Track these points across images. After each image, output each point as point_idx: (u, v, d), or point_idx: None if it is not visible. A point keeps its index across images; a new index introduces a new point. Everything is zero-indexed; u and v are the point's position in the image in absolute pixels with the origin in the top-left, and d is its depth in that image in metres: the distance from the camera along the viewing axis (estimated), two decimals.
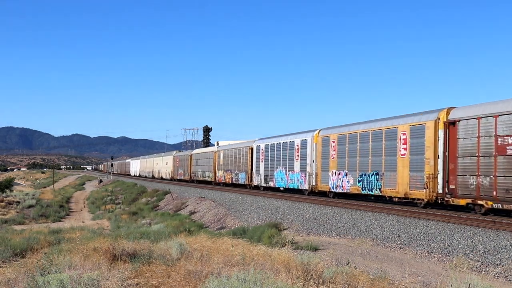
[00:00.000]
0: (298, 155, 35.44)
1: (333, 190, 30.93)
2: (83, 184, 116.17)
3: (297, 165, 35.54)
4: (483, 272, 12.97)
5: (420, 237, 17.11)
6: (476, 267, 13.40)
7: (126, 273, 9.83)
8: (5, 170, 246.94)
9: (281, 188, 38.93)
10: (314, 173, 33.26)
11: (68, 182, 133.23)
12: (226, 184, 52.26)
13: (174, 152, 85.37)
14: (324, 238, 19.48)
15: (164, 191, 53.17)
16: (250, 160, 44.77)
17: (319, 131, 33.28)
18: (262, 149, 42.00)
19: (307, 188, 34.03)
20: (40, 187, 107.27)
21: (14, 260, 14.83)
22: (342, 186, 29.86)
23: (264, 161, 41.42)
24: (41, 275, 9.41)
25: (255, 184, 43.50)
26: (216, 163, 55.64)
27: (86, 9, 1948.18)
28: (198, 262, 10.84)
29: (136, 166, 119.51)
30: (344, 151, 29.83)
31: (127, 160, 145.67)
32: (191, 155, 67.93)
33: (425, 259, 14.97)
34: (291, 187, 36.63)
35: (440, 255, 15.04)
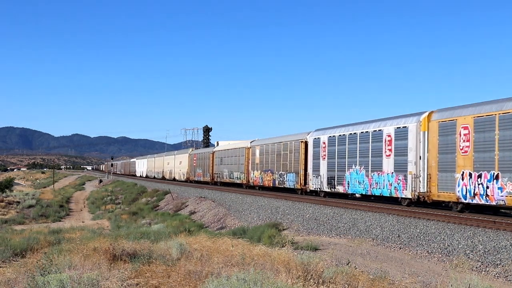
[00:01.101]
0: (390, 149, 25.84)
1: (465, 201, 20.96)
2: (83, 184, 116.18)
3: (388, 163, 25.91)
4: (483, 272, 12.98)
5: (420, 237, 17.11)
6: (476, 267, 13.40)
7: (126, 273, 9.83)
8: (5, 170, 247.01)
9: (357, 195, 29.81)
10: (422, 174, 23.56)
11: (68, 182, 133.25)
12: (263, 188, 43.26)
13: (190, 149, 74.04)
14: (324, 238, 19.48)
15: (164, 191, 53.16)
16: (304, 157, 35.15)
17: (431, 113, 23.59)
18: (324, 143, 32.20)
19: (409, 196, 24.22)
20: (40, 187, 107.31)
21: (14, 260, 14.85)
22: (487, 195, 19.70)
23: (328, 158, 31.60)
24: (41, 275, 9.41)
25: (312, 189, 33.90)
26: (250, 161, 45.69)
27: (86, 9, 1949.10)
28: (198, 262, 10.84)
29: (142, 166, 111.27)
30: (490, 141, 19.74)
31: (132, 160, 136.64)
32: (214, 152, 57.76)
33: (425, 259, 14.97)
34: (377, 194, 26.96)
35: (440, 255, 15.04)
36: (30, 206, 53.05)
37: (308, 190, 34.64)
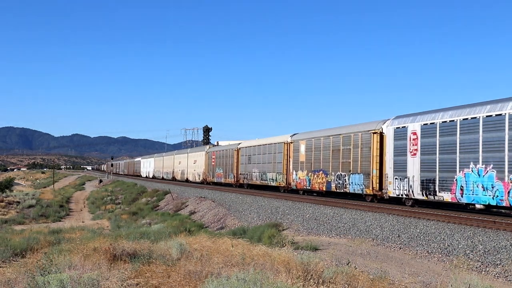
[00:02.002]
0: None
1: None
2: (83, 184, 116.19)
3: None
4: (483, 272, 12.97)
5: (420, 237, 17.11)
6: (476, 267, 13.39)
7: (126, 273, 9.83)
8: (5, 170, 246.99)
9: (479, 206, 21.41)
10: None
11: (68, 182, 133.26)
12: (310, 192, 35.06)
13: (207, 146, 64.73)
14: (324, 238, 19.49)
15: (164, 191, 53.17)
16: (378, 153, 27.09)
17: None
18: (414, 133, 24.29)
19: None
20: (40, 187, 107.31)
21: (14, 260, 14.84)
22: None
23: (422, 154, 23.67)
24: (41, 275, 9.42)
25: (393, 195, 25.70)
26: (291, 159, 37.23)
27: (86, 9, 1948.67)
28: (198, 262, 10.84)
29: (148, 165, 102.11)
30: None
31: (137, 159, 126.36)
32: (239, 149, 48.62)
33: (425, 259, 14.96)
34: None
35: (440, 255, 15.04)
36: (30, 206, 53.06)
37: (386, 197, 26.61)
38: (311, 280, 9.15)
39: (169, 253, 12.23)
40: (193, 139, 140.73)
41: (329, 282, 9.33)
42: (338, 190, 30.70)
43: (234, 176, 49.40)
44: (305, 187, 34.93)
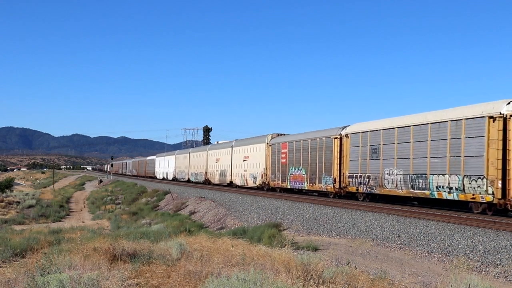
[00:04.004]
0: None
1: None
2: (83, 184, 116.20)
3: None
4: (483, 272, 12.97)
5: (420, 237, 17.11)
6: (476, 267, 13.39)
7: (126, 273, 9.83)
8: (5, 170, 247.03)
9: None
10: None
11: (68, 182, 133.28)
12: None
13: (269, 136, 43.38)
14: (324, 238, 19.48)
15: (164, 191, 53.16)
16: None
17: None
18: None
19: None
20: (40, 187, 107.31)
21: (14, 260, 14.84)
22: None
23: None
24: (41, 275, 9.41)
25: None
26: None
27: (87, 9, 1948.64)
28: (198, 262, 10.84)
29: (167, 165, 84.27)
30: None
31: (150, 158, 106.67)
32: (345, 136, 31.29)
33: (425, 259, 14.96)
34: None
35: (440, 255, 15.04)
36: (30, 206, 53.08)
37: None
38: (311, 280, 9.14)
39: (169, 253, 12.23)
40: (193, 139, 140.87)
41: (329, 282, 9.33)
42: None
43: (333, 179, 31.97)
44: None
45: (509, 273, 12.63)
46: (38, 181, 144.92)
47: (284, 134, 42.53)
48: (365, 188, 28.72)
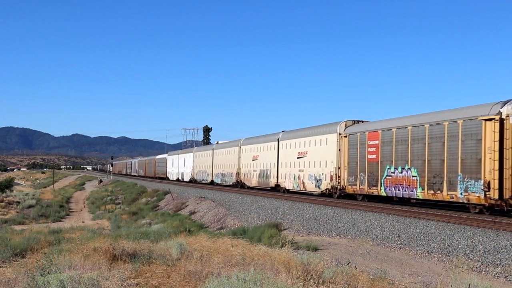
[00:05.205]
0: None
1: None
2: (83, 184, 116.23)
3: None
4: (483, 272, 12.98)
5: (420, 237, 17.11)
6: (476, 267, 13.39)
7: (126, 273, 9.83)
8: (5, 170, 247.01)
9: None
10: None
11: (68, 182, 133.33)
12: None
13: (342, 124, 31.99)
14: (324, 238, 19.48)
15: (164, 191, 53.15)
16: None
17: None
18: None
19: None
20: (40, 187, 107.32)
21: (14, 260, 14.84)
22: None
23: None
24: (41, 275, 9.42)
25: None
26: None
27: (87, 9, 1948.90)
28: (198, 262, 10.84)
29: (182, 164, 73.71)
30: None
31: (160, 156, 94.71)
32: (503, 117, 20.07)
33: (425, 259, 14.97)
34: None
35: (440, 255, 15.04)
36: (30, 206, 53.09)
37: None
38: (311, 280, 9.14)
39: (169, 253, 12.23)
40: (193, 139, 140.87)
41: (329, 282, 9.33)
42: None
43: (486, 184, 20.42)
44: None
45: (509, 273, 12.64)
46: (38, 181, 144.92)
47: (362, 121, 31.94)
48: None
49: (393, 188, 26.28)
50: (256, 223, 24.54)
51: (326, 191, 32.69)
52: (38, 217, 45.81)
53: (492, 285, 9.88)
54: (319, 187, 33.67)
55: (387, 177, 26.77)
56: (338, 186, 31.45)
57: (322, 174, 33.18)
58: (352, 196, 30.26)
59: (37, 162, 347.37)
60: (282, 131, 41.71)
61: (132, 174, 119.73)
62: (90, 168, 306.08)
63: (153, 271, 10.16)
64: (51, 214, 47.41)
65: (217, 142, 65.81)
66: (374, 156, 27.91)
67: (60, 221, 44.57)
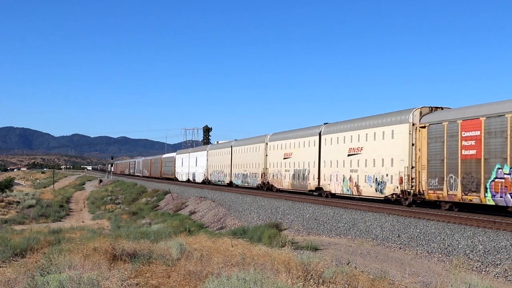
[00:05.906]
0: None
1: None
2: (83, 184, 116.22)
3: None
4: (483, 272, 12.98)
5: (420, 237, 17.12)
6: (476, 267, 13.40)
7: (126, 273, 9.83)
8: (5, 170, 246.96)
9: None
10: None
11: (68, 182, 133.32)
12: None
13: (415, 112, 25.05)
14: (324, 238, 19.49)
15: (164, 191, 53.16)
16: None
17: None
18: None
19: None
20: (40, 187, 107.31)
21: (14, 260, 14.86)
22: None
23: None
24: (41, 275, 9.42)
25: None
26: None
27: (87, 9, 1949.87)
28: (198, 262, 10.84)
29: (193, 163, 67.20)
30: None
31: (167, 155, 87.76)
32: None
33: (425, 259, 14.97)
34: None
35: (440, 255, 15.04)
36: (30, 206, 53.08)
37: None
38: (311, 280, 9.14)
39: (169, 253, 12.23)
40: (193, 139, 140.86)
41: (329, 282, 9.33)
42: None
43: None
44: None
45: (509, 273, 12.64)
46: (38, 181, 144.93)
47: (441, 108, 25.32)
48: None
49: (508, 195, 19.26)
50: (256, 223, 24.55)
51: (392, 197, 26.14)
52: (38, 217, 45.80)
53: (492, 285, 9.88)
54: (381, 192, 27.08)
55: (496, 179, 19.95)
56: (412, 191, 24.76)
57: (386, 175, 26.70)
58: (433, 204, 24.05)
59: (37, 162, 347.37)
60: (325, 124, 35.23)
61: (136, 174, 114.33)
62: (90, 168, 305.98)
63: (153, 271, 10.16)
64: (51, 214, 47.41)
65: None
66: (472, 152, 21.20)
67: (60, 221, 44.57)
